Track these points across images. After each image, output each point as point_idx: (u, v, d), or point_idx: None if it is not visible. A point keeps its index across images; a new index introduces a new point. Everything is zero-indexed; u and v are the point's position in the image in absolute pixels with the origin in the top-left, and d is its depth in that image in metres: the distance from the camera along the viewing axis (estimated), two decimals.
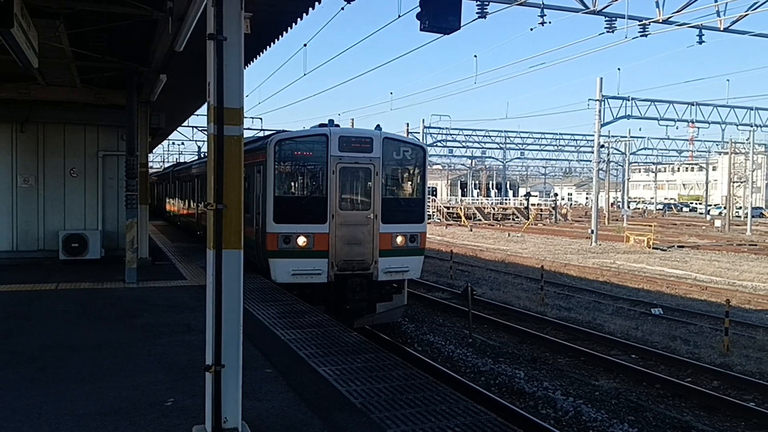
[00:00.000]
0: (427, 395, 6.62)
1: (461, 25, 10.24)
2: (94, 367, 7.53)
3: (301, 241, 13.26)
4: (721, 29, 20.56)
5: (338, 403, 6.36)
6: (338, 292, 13.58)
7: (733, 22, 20.53)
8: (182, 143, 68.54)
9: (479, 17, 18.82)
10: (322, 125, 14.24)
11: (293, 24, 11.85)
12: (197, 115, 30.16)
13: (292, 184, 14.19)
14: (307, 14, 11.13)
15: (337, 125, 14.54)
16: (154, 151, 57.29)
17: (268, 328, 9.51)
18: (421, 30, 10.39)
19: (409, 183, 14.81)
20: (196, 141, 59.86)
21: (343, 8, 15.75)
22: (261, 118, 28.78)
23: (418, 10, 10.50)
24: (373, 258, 13.72)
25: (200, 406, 5.50)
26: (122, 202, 15.39)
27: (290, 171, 13.99)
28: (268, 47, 13.80)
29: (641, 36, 20.52)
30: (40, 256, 16.83)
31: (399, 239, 13.95)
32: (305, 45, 24.81)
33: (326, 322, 9.97)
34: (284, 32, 12.45)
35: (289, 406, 6.30)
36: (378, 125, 14.54)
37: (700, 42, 21.20)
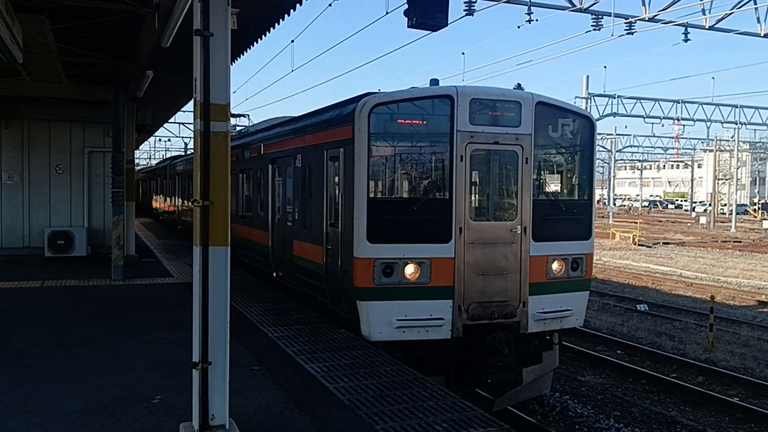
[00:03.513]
0: (414, 391, 6.64)
1: (449, 22, 10.26)
2: (80, 364, 7.49)
3: (411, 271, 8.44)
4: (707, 27, 20.70)
5: (326, 400, 6.36)
6: (469, 354, 8.86)
7: (719, 21, 20.67)
8: (169, 140, 68.17)
9: (467, 14, 18.82)
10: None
11: (280, 20, 11.81)
12: (184, 111, 29.80)
13: (396, 177, 9.28)
14: (294, 10, 11.09)
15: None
16: (140, 147, 56.94)
17: (256, 325, 9.50)
18: (408, 27, 10.40)
19: (571, 176, 9.92)
20: (182, 137, 59.54)
21: (330, 4, 15.75)
22: (248, 115, 28.30)
23: (406, 7, 10.51)
24: (520, 297, 8.84)
25: (187, 403, 5.49)
26: (108, 198, 15.31)
27: (392, 156, 9.10)
28: (255, 43, 13.73)
29: (627, 34, 20.61)
30: (26, 254, 16.70)
31: (556, 265, 9.12)
32: (293, 41, 24.77)
33: (314, 319, 9.96)
34: (271, 28, 12.40)
35: (277, 402, 6.30)
36: (518, 84, 9.62)
37: (686, 40, 21.34)
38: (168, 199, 29.67)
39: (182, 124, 53.32)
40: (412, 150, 9.15)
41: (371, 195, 8.57)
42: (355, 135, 8.50)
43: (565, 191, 9.82)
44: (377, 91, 8.81)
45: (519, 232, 8.85)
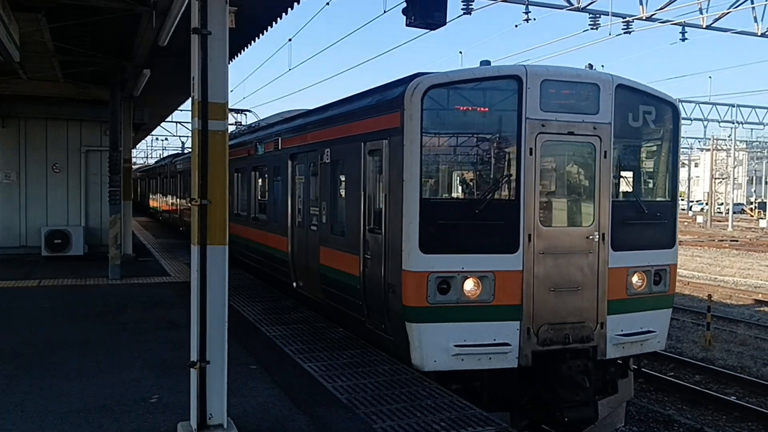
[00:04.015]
0: (413, 390, 6.64)
1: (447, 20, 10.24)
2: (77, 364, 7.47)
3: (470, 286, 7.19)
4: (704, 27, 20.73)
5: (324, 399, 6.36)
6: (538, 386, 7.59)
7: (716, 20, 20.71)
8: (166, 138, 68.02)
9: (464, 13, 18.82)
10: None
11: (278, 18, 11.81)
12: (181, 110, 29.64)
13: (452, 174, 8.01)
14: (292, 9, 11.10)
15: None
16: (137, 146, 56.90)
17: (253, 324, 9.49)
18: (407, 25, 10.38)
19: (653, 173, 8.65)
20: (179, 136, 59.50)
21: (328, 3, 15.73)
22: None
23: (404, 5, 10.49)
24: (597, 317, 7.61)
25: (185, 402, 5.49)
26: (105, 197, 15.29)
27: (448, 148, 7.84)
28: (253, 42, 13.72)
29: (625, 33, 20.63)
30: (22, 253, 16.67)
31: (636, 279, 7.90)
32: (290, 40, 24.69)
33: (312, 318, 9.95)
34: (269, 26, 12.40)
35: (275, 402, 6.29)
36: (590, 64, 8.33)
37: (683, 39, 21.39)
38: (169, 198, 28.85)
39: (179, 122, 53.28)
40: (471, 141, 7.77)
41: (425, 195, 7.23)
42: (405, 123, 7.19)
43: (646, 191, 8.49)
44: (427, 72, 7.63)
45: (596, 239, 7.59)
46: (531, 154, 7.30)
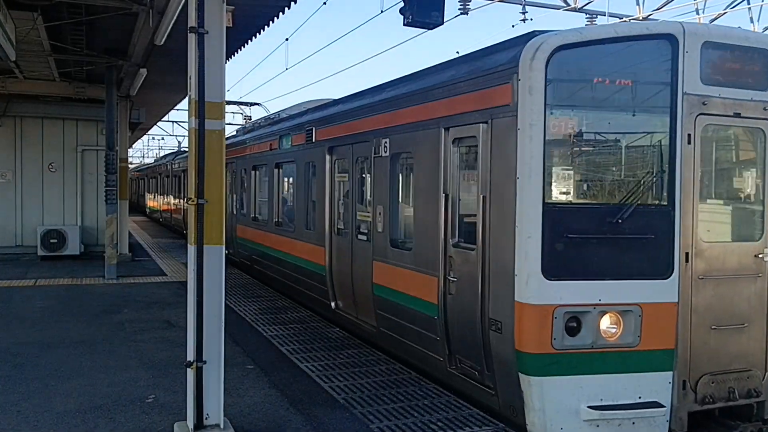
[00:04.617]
0: (410, 390, 6.63)
1: (444, 20, 10.24)
2: (73, 363, 7.45)
3: (608, 325, 5.42)
4: None
5: (321, 399, 6.35)
6: None
7: (712, 20, 20.73)
8: (162, 138, 67.98)
9: (461, 13, 18.82)
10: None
11: (275, 17, 11.79)
12: (177, 109, 29.61)
13: (582, 171, 5.79)
14: (289, 8, 11.07)
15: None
16: (133, 146, 56.85)
17: (250, 324, 9.48)
18: (404, 25, 10.36)
19: None
20: (176, 136, 59.51)
21: (325, 2, 15.72)
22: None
23: (400, 5, 10.49)
24: (767, 363, 5.91)
25: (181, 402, 5.48)
26: (102, 197, 15.26)
27: (578, 134, 5.70)
28: (250, 41, 13.69)
29: None
30: (18, 252, 16.64)
31: None
32: (287, 39, 24.67)
33: (309, 318, 9.94)
34: (266, 26, 12.36)
35: (272, 402, 6.28)
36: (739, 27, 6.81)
37: None
38: (170, 198, 27.75)
39: (176, 122, 53.23)
40: (608, 124, 5.79)
41: (548, 199, 5.35)
42: (520, 98, 5.34)
43: None
44: (546, 30, 5.66)
45: (766, 258, 5.82)
46: (689, 142, 5.53)
